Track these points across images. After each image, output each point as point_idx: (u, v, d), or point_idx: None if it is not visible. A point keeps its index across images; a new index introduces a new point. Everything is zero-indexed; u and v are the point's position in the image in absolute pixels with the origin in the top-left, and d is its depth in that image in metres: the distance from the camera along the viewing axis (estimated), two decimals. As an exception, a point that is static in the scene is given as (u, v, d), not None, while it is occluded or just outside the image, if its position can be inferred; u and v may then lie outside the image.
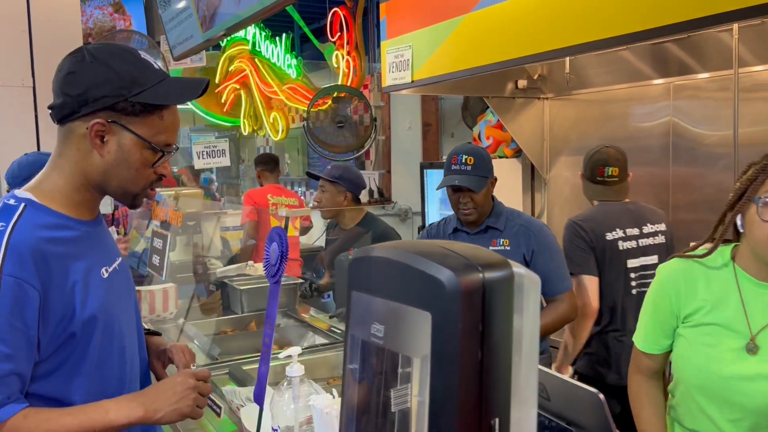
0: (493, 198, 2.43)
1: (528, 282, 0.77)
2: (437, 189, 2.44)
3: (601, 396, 0.98)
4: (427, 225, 4.76)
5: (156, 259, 2.93)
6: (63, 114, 1.21)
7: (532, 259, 2.29)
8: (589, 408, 1.00)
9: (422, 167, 4.76)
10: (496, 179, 2.42)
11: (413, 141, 5.87)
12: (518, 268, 0.75)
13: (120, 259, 1.35)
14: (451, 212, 2.55)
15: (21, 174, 2.35)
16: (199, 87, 1.26)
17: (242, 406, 1.90)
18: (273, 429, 1.47)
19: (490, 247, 2.27)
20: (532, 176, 4.56)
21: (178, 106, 1.29)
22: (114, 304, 1.26)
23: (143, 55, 1.25)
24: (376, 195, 5.65)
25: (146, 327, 1.51)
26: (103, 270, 1.26)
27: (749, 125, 3.08)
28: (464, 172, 2.31)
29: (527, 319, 0.77)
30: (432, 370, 0.69)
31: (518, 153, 4.49)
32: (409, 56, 3.53)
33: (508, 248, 2.31)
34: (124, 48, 1.25)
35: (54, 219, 1.20)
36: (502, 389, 0.72)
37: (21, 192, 1.23)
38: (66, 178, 1.23)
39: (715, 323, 1.44)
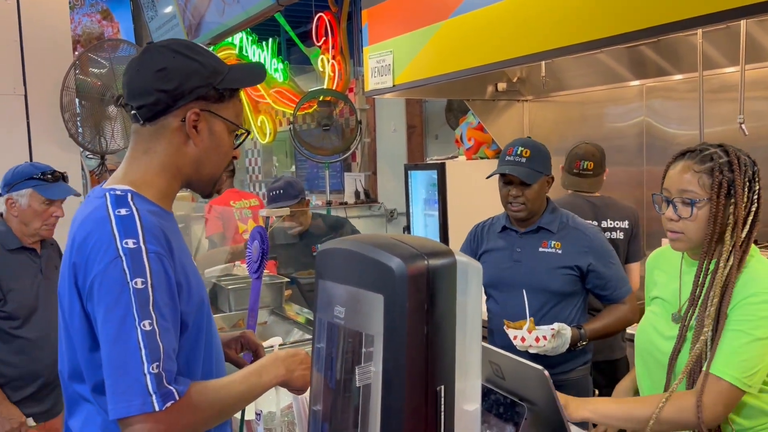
0: (547, 198, 2.31)
1: (471, 269, 0.88)
2: (487, 178, 2.31)
3: (546, 372, 1.09)
4: (409, 224, 4.87)
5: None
6: (155, 111, 1.22)
7: (588, 266, 2.18)
8: (537, 384, 1.11)
9: (406, 168, 4.86)
10: (553, 179, 2.30)
11: (398, 143, 5.99)
12: (461, 257, 0.87)
13: None
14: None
15: (5, 180, 2.41)
16: (262, 71, 1.34)
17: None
18: (256, 413, 1.57)
19: (540, 249, 2.22)
20: (513, 176, 4.67)
21: None
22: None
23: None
24: (362, 196, 5.77)
25: None
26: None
27: (716, 125, 3.21)
28: (517, 164, 2.18)
29: (471, 300, 0.88)
30: (384, 345, 0.80)
31: (499, 154, 4.61)
32: (390, 61, 3.64)
33: (560, 251, 2.20)
34: (189, 42, 1.31)
35: (154, 207, 1.23)
36: (447, 360, 0.83)
37: (110, 185, 1.23)
38: (158, 171, 1.25)
39: (659, 297, 1.63)
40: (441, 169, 4.43)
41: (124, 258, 1.10)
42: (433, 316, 0.81)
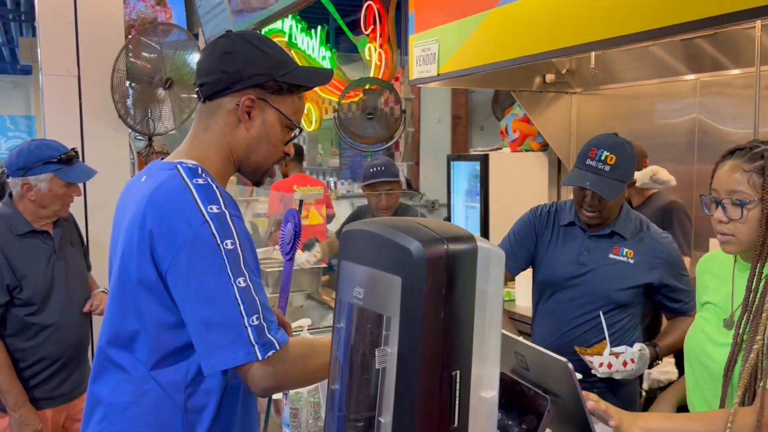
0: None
1: (493, 255, 0.87)
2: (564, 184, 2.10)
3: (570, 365, 1.08)
4: (451, 214, 4.85)
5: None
6: (215, 90, 1.29)
7: (659, 281, 2.04)
8: (561, 376, 1.10)
9: (449, 159, 4.84)
10: (635, 182, 2.10)
11: (442, 133, 5.96)
12: (483, 243, 0.86)
13: None
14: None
15: (17, 163, 2.31)
16: (329, 75, 1.40)
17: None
18: (284, 393, 1.60)
19: (611, 255, 2.05)
20: (559, 170, 4.60)
21: None
22: None
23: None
24: (404, 186, 5.76)
25: None
26: None
27: (772, 123, 3.09)
28: (599, 172, 1.95)
29: (492, 287, 0.87)
30: (401, 327, 0.80)
31: (545, 147, 4.54)
32: (435, 50, 3.62)
33: (632, 261, 2.04)
34: (263, 35, 1.39)
35: (216, 183, 1.29)
36: (463, 346, 0.82)
37: (177, 159, 1.29)
38: (215, 150, 1.31)
39: (711, 302, 1.56)
40: (484, 160, 4.40)
41: (211, 222, 1.17)
42: (451, 301, 0.81)
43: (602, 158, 1.97)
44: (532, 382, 1.17)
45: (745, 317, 1.43)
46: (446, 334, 0.80)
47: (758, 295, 1.42)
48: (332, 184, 8.03)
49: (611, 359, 1.83)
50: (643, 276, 2.04)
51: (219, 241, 1.16)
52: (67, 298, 2.42)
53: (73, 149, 2.42)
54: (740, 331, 1.43)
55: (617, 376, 1.86)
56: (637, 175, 2.87)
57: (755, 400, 1.36)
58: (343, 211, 5.92)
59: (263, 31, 7.51)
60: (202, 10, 3.93)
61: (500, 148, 4.71)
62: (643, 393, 2.34)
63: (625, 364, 1.83)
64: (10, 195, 2.40)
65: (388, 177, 3.32)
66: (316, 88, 6.79)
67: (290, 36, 7.12)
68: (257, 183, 1.40)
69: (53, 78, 3.29)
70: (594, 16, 2.69)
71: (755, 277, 1.43)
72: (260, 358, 1.14)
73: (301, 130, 1.37)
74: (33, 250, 2.37)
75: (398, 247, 0.80)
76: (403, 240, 0.80)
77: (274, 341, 1.16)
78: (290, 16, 7.14)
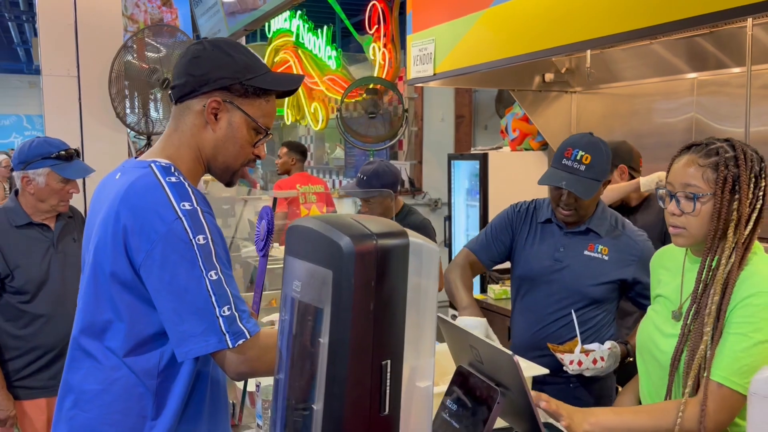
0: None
1: (426, 251, 0.91)
2: (540, 184, 2.08)
3: (516, 358, 1.11)
4: (450, 215, 4.87)
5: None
6: (183, 92, 1.35)
7: (633, 278, 2.05)
8: (508, 368, 1.13)
9: (449, 158, 4.86)
10: (609, 181, 2.12)
11: (446, 132, 5.98)
12: (416, 238, 0.89)
13: None
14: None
15: (19, 157, 2.42)
16: (298, 81, 1.44)
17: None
18: (256, 385, 1.64)
19: (586, 252, 2.07)
20: (558, 169, 4.61)
21: None
22: None
23: (251, 49, 1.44)
24: (407, 185, 5.79)
25: None
26: None
27: (765, 123, 3.08)
28: (575, 172, 1.97)
29: (426, 281, 0.91)
30: (332, 318, 0.84)
31: (544, 146, 4.55)
32: (432, 50, 3.65)
33: (606, 258, 2.06)
34: (237, 42, 1.44)
35: (188, 182, 1.34)
36: (394, 336, 0.86)
37: (151, 158, 1.35)
38: (186, 150, 1.37)
39: (661, 295, 1.58)
40: (483, 159, 4.42)
41: (184, 219, 1.23)
42: (381, 294, 0.84)
43: (578, 158, 1.99)
44: (486, 374, 1.20)
45: (693, 309, 1.46)
46: (376, 325, 0.84)
47: (706, 286, 1.45)
48: (337, 183, 8.09)
49: (581, 357, 1.85)
50: (617, 273, 2.06)
51: (191, 237, 1.22)
52: (62, 289, 2.48)
53: (75, 149, 2.52)
54: (687, 323, 1.45)
55: (588, 374, 1.88)
56: (642, 181, 2.88)
57: (699, 390, 1.39)
58: (346, 209, 5.96)
59: (271, 31, 7.61)
60: (199, 10, 4.00)
61: (501, 147, 4.72)
62: (619, 388, 2.36)
63: (595, 361, 1.85)
64: (17, 191, 2.52)
65: (367, 189, 3.18)
66: (322, 87, 6.87)
67: (297, 36, 7.18)
68: (228, 183, 1.45)
69: (54, 79, 3.37)
70: (586, 15, 2.70)
71: (704, 270, 1.45)
72: (231, 346, 1.21)
73: (269, 133, 1.40)
74: (30, 242, 2.47)
75: (330, 242, 0.84)
76: (334, 236, 0.84)
77: (245, 330, 1.22)
78: (297, 15, 7.22)
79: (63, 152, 2.44)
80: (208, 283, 1.21)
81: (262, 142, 1.41)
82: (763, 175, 1.44)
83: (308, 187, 4.68)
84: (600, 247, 2.07)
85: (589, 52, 3.61)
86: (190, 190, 1.28)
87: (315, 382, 0.86)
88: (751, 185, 1.42)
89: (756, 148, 1.48)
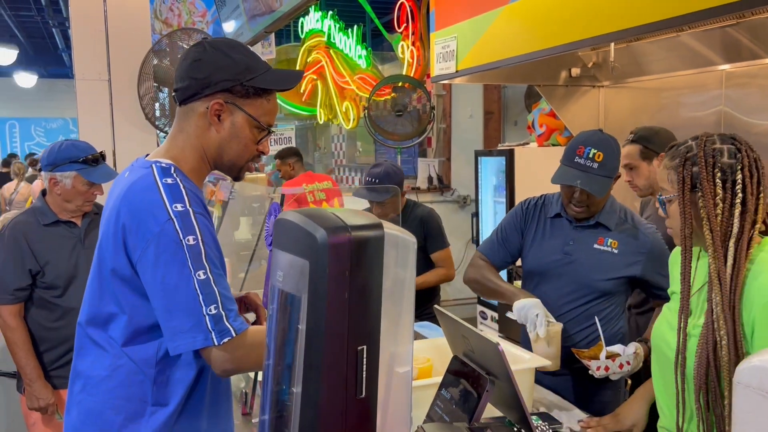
0: None
1: (402, 242, 0.94)
2: (553, 183, 2.09)
3: (500, 346, 1.13)
4: (476, 209, 4.87)
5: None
6: (187, 95, 1.39)
7: (642, 274, 2.06)
8: (494, 357, 1.16)
9: (476, 155, 4.87)
10: (620, 175, 2.12)
11: (475, 129, 5.97)
12: (391, 230, 0.93)
13: None
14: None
15: (47, 159, 2.51)
16: (297, 77, 1.49)
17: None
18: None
19: (595, 246, 2.08)
20: (586, 164, 4.57)
21: None
22: None
23: (252, 49, 1.49)
24: (435, 182, 5.81)
25: None
26: None
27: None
28: (588, 170, 1.97)
29: (402, 271, 0.94)
30: (309, 306, 0.88)
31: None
32: (454, 47, 3.66)
33: (616, 251, 2.06)
34: (237, 42, 1.49)
35: (189, 182, 1.40)
36: (369, 323, 0.90)
37: (155, 158, 1.41)
38: (190, 150, 1.42)
39: (675, 291, 1.58)
40: (509, 155, 4.41)
41: (175, 220, 1.28)
42: (356, 283, 0.88)
43: (590, 156, 1.98)
44: (478, 363, 1.23)
45: (686, 308, 1.45)
46: (351, 312, 0.88)
47: (691, 284, 1.45)
48: (354, 180, 8.16)
49: (608, 363, 1.84)
50: (626, 269, 2.06)
51: (182, 237, 1.28)
52: None
53: (101, 152, 2.62)
54: (681, 325, 1.45)
55: (614, 378, 1.89)
56: None
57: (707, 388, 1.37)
58: (359, 205, 5.99)
59: (303, 32, 7.71)
60: (223, 15, 4.11)
61: (527, 143, 4.71)
62: (629, 381, 2.36)
63: (622, 366, 1.84)
64: (44, 192, 2.64)
65: (374, 194, 3.22)
66: (353, 86, 6.93)
67: (329, 36, 7.27)
68: (236, 178, 1.51)
69: (86, 83, 3.51)
70: (608, 7, 2.68)
71: (685, 270, 1.46)
72: (216, 343, 1.26)
73: (271, 131, 1.45)
74: (58, 239, 2.58)
75: (307, 233, 0.88)
76: (311, 228, 0.88)
77: (231, 329, 1.28)
78: (329, 16, 7.31)
79: (90, 156, 2.54)
80: (196, 282, 1.26)
81: (265, 139, 1.45)
82: (739, 168, 1.38)
83: (315, 184, 4.76)
84: (609, 240, 2.08)
85: (612, 45, 3.57)
86: (184, 191, 1.33)
87: (295, 367, 0.90)
88: (717, 181, 1.38)
89: (741, 141, 1.44)
